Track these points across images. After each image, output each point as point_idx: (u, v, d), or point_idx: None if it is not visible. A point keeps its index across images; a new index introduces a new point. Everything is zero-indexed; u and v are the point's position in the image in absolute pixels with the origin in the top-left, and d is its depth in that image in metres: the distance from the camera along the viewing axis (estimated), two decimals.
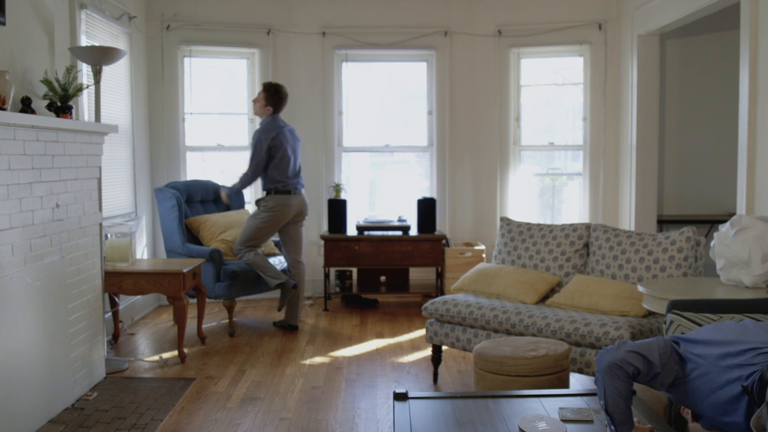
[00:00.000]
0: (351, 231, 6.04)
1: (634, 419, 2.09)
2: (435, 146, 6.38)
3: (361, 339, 5.02)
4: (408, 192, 6.51)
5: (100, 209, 4.01)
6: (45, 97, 3.68)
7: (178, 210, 5.21)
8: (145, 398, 3.72)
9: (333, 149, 6.35)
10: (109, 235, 4.49)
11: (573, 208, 6.42)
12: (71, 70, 3.81)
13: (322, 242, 6.11)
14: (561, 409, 2.26)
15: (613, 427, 2.04)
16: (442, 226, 6.34)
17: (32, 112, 3.45)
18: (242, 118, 6.33)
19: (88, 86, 4.19)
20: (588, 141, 6.23)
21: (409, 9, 6.24)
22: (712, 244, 3.34)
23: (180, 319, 4.48)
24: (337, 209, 5.95)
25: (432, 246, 5.90)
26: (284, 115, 5.27)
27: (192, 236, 5.36)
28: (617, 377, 2.04)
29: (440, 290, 6.04)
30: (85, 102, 4.68)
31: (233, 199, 5.91)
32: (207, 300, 5.15)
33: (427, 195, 6.34)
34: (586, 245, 4.14)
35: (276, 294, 5.98)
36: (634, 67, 5.69)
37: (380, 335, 5.13)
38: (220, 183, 5.84)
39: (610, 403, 2.03)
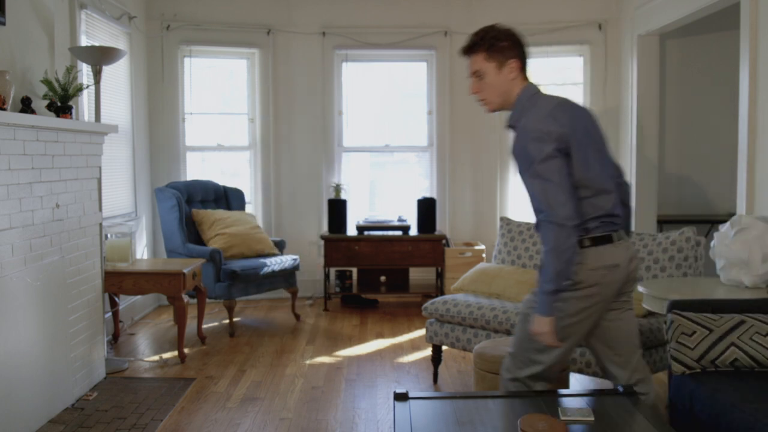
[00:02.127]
0: (351, 231, 6.04)
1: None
2: (435, 146, 6.38)
3: (361, 339, 5.02)
4: (408, 192, 6.51)
5: (100, 209, 4.01)
6: (45, 97, 3.68)
7: (178, 210, 5.21)
8: (145, 398, 3.72)
9: (333, 149, 6.35)
10: (109, 235, 4.49)
11: None
12: (71, 70, 3.81)
13: (322, 242, 6.11)
14: (561, 408, 2.26)
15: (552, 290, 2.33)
16: (442, 226, 6.34)
17: (32, 112, 3.45)
18: (242, 118, 6.32)
19: (88, 86, 4.19)
20: None
21: (409, 9, 6.24)
22: (712, 244, 3.34)
23: (180, 319, 4.48)
24: (337, 209, 5.95)
25: (432, 246, 5.90)
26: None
27: (193, 230, 5.37)
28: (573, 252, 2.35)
29: (440, 290, 6.04)
30: (85, 102, 4.68)
31: (235, 199, 5.90)
32: (207, 300, 5.15)
33: (427, 195, 6.34)
34: None
35: (276, 294, 5.97)
36: (634, 67, 5.69)
37: (380, 335, 5.13)
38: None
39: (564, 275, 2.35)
